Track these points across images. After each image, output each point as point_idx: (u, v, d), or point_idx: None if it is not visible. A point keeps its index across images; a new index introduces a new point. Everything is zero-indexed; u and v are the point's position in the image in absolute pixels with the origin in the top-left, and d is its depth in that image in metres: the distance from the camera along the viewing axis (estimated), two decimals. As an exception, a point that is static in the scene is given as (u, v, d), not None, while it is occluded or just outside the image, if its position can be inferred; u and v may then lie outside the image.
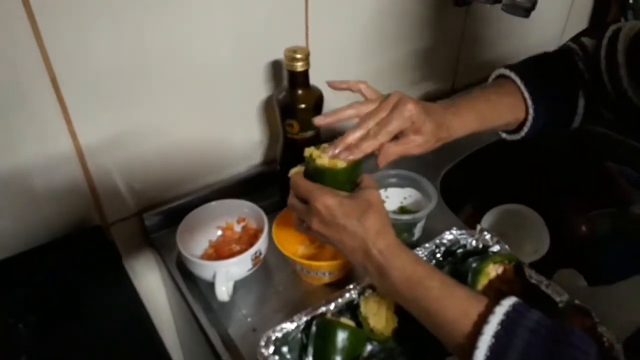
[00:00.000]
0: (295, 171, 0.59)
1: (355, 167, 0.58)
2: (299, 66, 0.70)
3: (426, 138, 0.61)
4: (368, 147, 0.57)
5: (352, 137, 0.58)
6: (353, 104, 0.60)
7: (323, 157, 0.57)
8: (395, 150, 0.60)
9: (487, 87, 0.71)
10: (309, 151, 0.58)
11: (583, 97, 0.69)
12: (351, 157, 0.57)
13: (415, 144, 0.60)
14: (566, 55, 0.71)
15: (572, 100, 0.70)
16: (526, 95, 0.67)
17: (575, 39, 0.72)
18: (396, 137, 0.60)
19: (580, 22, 1.28)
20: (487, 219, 0.95)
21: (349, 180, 0.58)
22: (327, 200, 0.54)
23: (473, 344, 0.46)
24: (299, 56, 0.69)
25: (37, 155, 0.67)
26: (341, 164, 0.56)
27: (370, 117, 0.59)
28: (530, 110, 0.67)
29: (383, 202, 0.57)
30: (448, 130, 0.63)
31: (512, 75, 0.69)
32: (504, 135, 0.74)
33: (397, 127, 0.58)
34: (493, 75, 0.74)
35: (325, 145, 0.58)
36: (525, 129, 0.69)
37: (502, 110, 0.68)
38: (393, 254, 0.53)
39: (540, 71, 0.70)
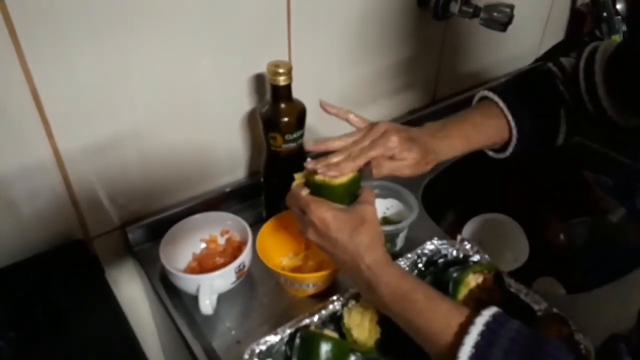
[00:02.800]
0: (297, 183, 0.62)
1: (353, 182, 0.60)
2: (282, 80, 0.70)
3: (414, 162, 0.64)
4: (346, 167, 0.59)
5: (334, 160, 0.60)
6: (343, 136, 0.64)
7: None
8: (389, 165, 0.62)
9: (472, 110, 0.74)
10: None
11: (565, 116, 0.72)
12: (329, 174, 0.59)
13: (406, 164, 0.63)
14: (546, 77, 0.74)
15: (554, 120, 0.73)
16: (509, 117, 0.70)
17: (555, 60, 0.75)
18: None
19: (556, 34, 1.31)
20: (468, 228, 0.96)
21: (346, 194, 0.60)
22: (322, 214, 0.56)
23: (454, 355, 0.47)
24: (281, 70, 0.70)
25: (18, 169, 0.66)
26: (338, 179, 0.59)
27: (354, 145, 0.62)
28: (514, 132, 0.70)
29: (377, 217, 0.60)
30: (436, 154, 0.66)
31: (495, 98, 0.72)
32: (490, 153, 0.76)
33: (378, 154, 0.61)
34: (477, 98, 0.76)
35: (322, 159, 0.60)
36: (510, 149, 0.72)
37: (488, 132, 0.71)
38: (380, 269, 0.55)
39: (521, 93, 0.73)
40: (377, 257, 0.56)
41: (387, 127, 0.63)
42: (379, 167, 0.61)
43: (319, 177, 0.59)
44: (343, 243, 0.56)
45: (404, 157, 0.63)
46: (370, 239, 0.56)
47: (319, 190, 0.60)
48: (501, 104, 0.70)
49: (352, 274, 0.58)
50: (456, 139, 0.68)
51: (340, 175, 0.59)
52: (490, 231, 0.95)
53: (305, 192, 0.60)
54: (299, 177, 0.62)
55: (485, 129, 0.71)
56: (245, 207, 0.87)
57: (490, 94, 0.72)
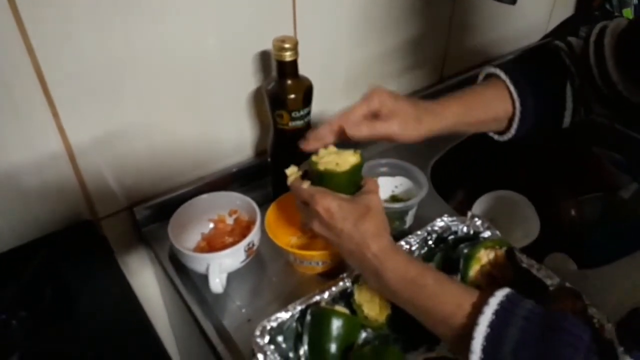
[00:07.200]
0: (292, 172, 0.62)
1: (355, 170, 0.60)
2: (288, 56, 0.69)
3: (403, 116, 0.61)
4: (323, 131, 0.60)
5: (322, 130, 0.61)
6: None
7: (322, 162, 0.59)
8: (370, 124, 0.60)
9: (474, 85, 0.72)
10: (313, 159, 0.61)
11: (570, 90, 0.70)
12: (312, 145, 0.60)
13: (394, 121, 0.61)
14: (552, 51, 0.72)
15: (559, 93, 0.70)
16: (512, 88, 0.67)
17: (562, 38, 0.73)
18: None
19: (565, 9, 1.29)
20: (478, 206, 0.95)
21: (350, 183, 0.60)
22: (327, 204, 0.56)
23: (469, 335, 0.47)
24: (287, 46, 0.69)
25: (26, 152, 0.66)
26: (341, 167, 0.58)
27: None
28: (517, 104, 0.67)
29: (383, 207, 0.59)
30: (430, 113, 0.63)
31: (497, 71, 0.69)
32: (495, 137, 0.73)
33: (360, 109, 0.60)
34: (481, 75, 0.74)
35: (322, 150, 0.61)
36: (515, 125, 0.69)
37: (488, 100, 0.68)
38: (386, 256, 0.55)
39: (525, 66, 0.70)
40: (383, 244, 0.55)
41: (372, 89, 0.62)
42: (357, 126, 0.59)
43: (321, 166, 0.59)
44: (348, 232, 0.56)
45: (390, 112, 0.61)
46: (376, 228, 0.56)
47: (322, 179, 0.59)
48: (503, 75, 0.68)
49: (358, 263, 0.57)
50: (454, 104, 0.66)
51: (320, 144, 0.60)
52: (500, 208, 0.94)
53: (306, 184, 0.59)
54: (290, 172, 0.62)
55: (486, 97, 0.68)
56: (252, 187, 0.86)
57: (492, 69, 0.70)
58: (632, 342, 0.43)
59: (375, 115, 0.61)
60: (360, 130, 0.60)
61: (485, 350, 0.46)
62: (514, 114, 0.68)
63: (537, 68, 0.70)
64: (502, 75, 0.68)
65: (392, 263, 0.54)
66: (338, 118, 0.61)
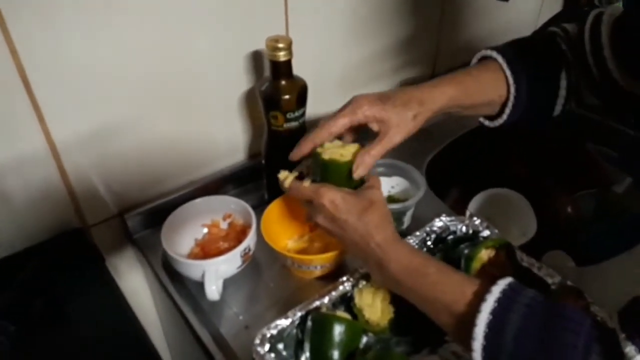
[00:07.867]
0: (285, 176, 0.62)
1: None
2: (282, 56, 0.68)
3: (399, 123, 0.60)
4: (304, 144, 0.61)
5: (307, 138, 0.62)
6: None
7: (326, 152, 0.60)
8: (372, 154, 0.60)
9: (469, 66, 0.70)
10: (317, 150, 0.61)
11: (565, 78, 0.69)
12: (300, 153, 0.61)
13: (391, 133, 0.60)
14: (549, 37, 0.71)
15: (554, 80, 0.69)
16: (508, 72, 0.66)
17: (557, 24, 0.72)
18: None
19: (555, 3, 1.29)
20: (474, 204, 0.95)
21: (352, 176, 0.60)
22: (332, 196, 0.57)
23: (472, 322, 0.47)
24: (281, 45, 0.67)
25: (10, 157, 0.64)
26: (344, 158, 0.59)
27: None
28: (512, 89, 0.66)
29: (385, 201, 0.60)
30: (423, 103, 0.61)
31: (494, 54, 0.68)
32: (486, 122, 0.72)
33: (347, 122, 0.60)
34: (476, 58, 0.72)
35: (327, 143, 0.61)
36: (508, 110, 0.67)
37: (484, 84, 0.66)
38: (390, 246, 0.55)
39: (522, 51, 0.69)
40: (386, 235, 0.56)
41: (356, 96, 0.61)
42: (362, 163, 0.59)
43: (325, 156, 0.59)
44: (353, 224, 0.56)
45: (384, 123, 0.60)
46: (379, 219, 0.57)
47: (326, 169, 0.59)
48: (500, 59, 0.66)
49: (362, 254, 0.58)
50: (448, 86, 0.63)
51: (298, 154, 0.61)
52: (496, 206, 0.94)
53: (306, 182, 0.60)
54: (284, 176, 0.62)
55: (482, 80, 0.66)
56: (245, 190, 0.85)
57: (489, 52, 0.68)
58: (634, 329, 0.43)
59: (367, 124, 0.61)
60: (366, 165, 0.60)
61: (487, 337, 0.46)
62: (507, 98, 0.67)
63: (533, 53, 0.69)
64: (500, 58, 0.66)
65: (396, 253, 0.55)
66: (320, 130, 0.60)
